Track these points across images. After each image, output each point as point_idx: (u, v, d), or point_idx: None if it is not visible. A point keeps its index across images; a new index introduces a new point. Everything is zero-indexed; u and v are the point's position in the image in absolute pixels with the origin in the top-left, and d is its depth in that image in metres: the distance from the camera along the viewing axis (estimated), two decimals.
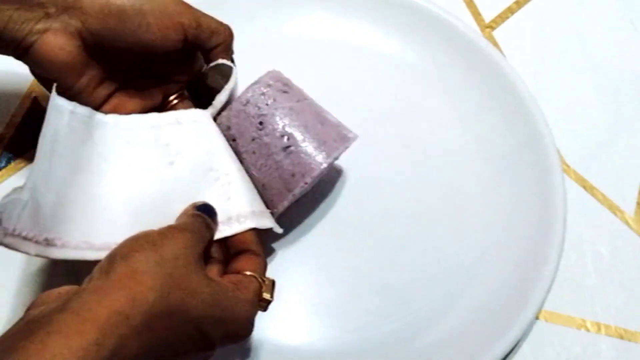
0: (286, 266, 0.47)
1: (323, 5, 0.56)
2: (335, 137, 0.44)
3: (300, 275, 0.47)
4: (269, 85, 0.44)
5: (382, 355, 0.45)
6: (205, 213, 0.40)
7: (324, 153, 0.43)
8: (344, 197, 0.50)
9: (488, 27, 0.58)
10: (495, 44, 0.57)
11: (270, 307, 0.39)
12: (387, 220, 0.49)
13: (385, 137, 0.52)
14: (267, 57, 0.54)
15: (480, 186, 0.50)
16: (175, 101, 0.46)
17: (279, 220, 0.44)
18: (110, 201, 0.40)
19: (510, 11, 0.59)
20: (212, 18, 0.44)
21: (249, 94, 0.44)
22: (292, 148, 0.43)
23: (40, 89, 0.51)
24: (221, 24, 0.44)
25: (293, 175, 0.43)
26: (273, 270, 0.45)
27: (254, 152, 0.43)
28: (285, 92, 0.44)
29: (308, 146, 0.43)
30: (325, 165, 0.43)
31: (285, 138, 0.43)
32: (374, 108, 0.53)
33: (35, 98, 0.52)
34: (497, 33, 0.58)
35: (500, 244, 0.48)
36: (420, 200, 0.50)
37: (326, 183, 0.50)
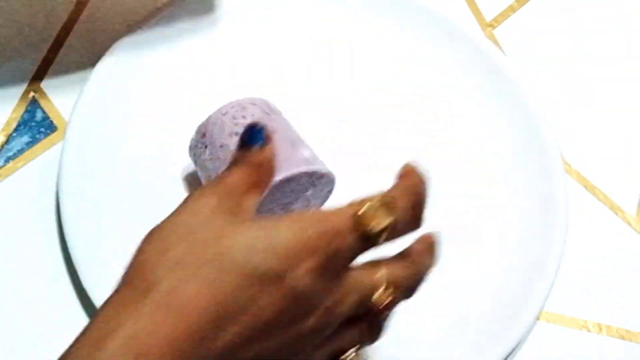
0: None
1: (322, 5, 0.56)
2: (300, 161, 0.43)
3: None
4: (253, 104, 0.43)
5: (382, 356, 0.44)
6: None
7: (281, 169, 0.41)
8: (343, 199, 0.49)
9: (489, 26, 0.58)
10: (496, 43, 0.56)
11: None
12: None
13: (384, 136, 0.51)
14: (266, 58, 0.54)
15: (481, 186, 0.50)
16: None
17: None
18: None
19: (511, 9, 0.59)
20: None
21: (230, 106, 0.43)
22: None
23: (38, 88, 0.51)
24: None
25: None
26: None
27: (218, 158, 0.42)
28: (267, 113, 0.43)
29: None
30: (278, 178, 0.41)
31: None
32: (373, 107, 0.52)
33: (33, 97, 0.52)
34: (498, 32, 0.58)
35: (501, 244, 0.48)
36: None
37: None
